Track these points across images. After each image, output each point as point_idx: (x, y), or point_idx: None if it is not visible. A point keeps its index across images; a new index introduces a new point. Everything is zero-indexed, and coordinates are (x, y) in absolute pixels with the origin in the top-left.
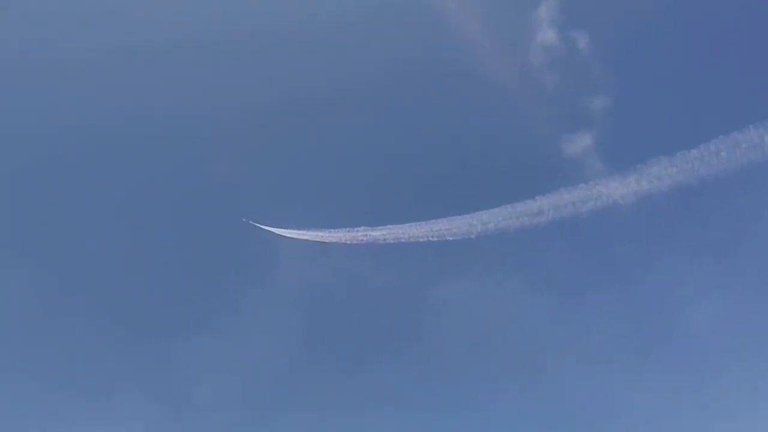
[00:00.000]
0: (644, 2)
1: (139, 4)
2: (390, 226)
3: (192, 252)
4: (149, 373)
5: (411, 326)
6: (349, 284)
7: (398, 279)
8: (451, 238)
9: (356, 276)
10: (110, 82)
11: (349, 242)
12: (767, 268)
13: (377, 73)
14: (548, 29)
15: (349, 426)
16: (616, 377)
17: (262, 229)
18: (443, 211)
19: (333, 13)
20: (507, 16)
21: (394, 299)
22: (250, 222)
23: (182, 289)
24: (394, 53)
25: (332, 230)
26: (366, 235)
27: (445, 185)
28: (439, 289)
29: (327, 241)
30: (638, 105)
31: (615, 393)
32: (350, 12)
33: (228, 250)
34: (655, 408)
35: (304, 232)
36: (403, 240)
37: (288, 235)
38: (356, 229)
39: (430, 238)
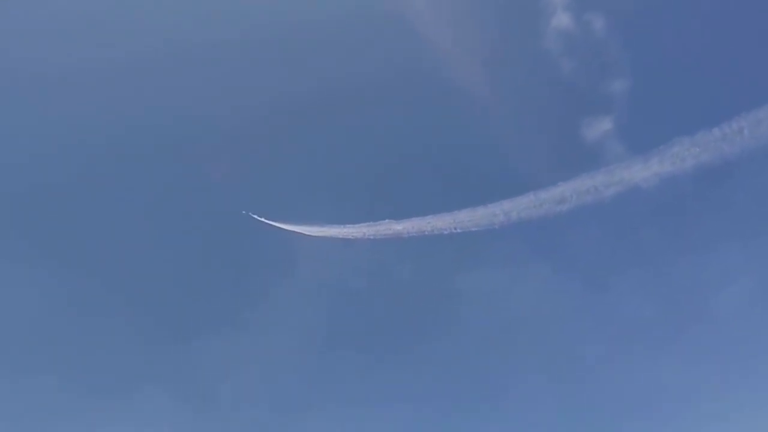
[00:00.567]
0: None
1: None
2: (413, 219)
3: (214, 250)
4: (172, 373)
5: (436, 319)
6: (372, 278)
7: (422, 272)
8: (474, 229)
9: (379, 270)
10: (113, 84)
11: (372, 237)
12: None
13: (393, 63)
14: (562, 14)
15: (374, 421)
16: (646, 362)
17: (285, 229)
18: (465, 203)
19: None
20: (520, 2)
21: (418, 292)
22: (272, 223)
23: (204, 287)
24: (409, 42)
25: (355, 225)
26: (389, 229)
27: (465, 176)
28: (464, 280)
29: (351, 237)
30: (657, 85)
31: (646, 378)
32: None
33: (250, 248)
34: (686, 392)
35: (327, 228)
36: (426, 233)
37: (310, 234)
38: (379, 222)
39: (454, 230)
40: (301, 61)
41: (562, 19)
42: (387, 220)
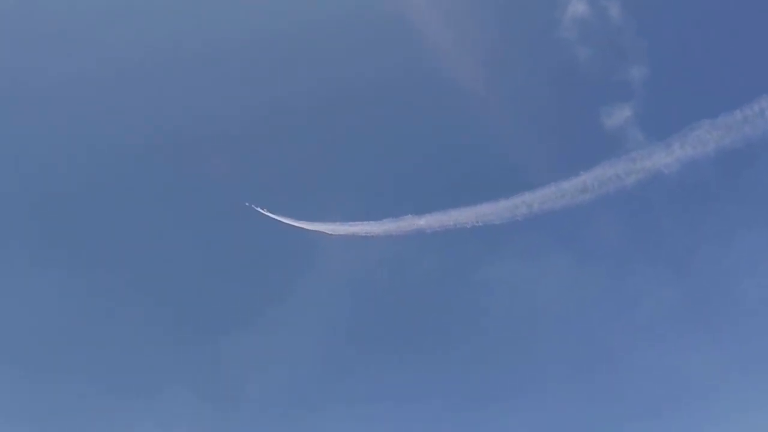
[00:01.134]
0: None
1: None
2: (435, 214)
3: (238, 250)
4: (197, 372)
5: (461, 314)
6: (396, 274)
7: (446, 266)
8: (497, 222)
9: (403, 265)
10: (120, 86)
11: (395, 233)
12: None
13: (412, 54)
14: (578, 2)
15: (401, 417)
16: (671, 351)
17: (308, 229)
18: (486, 196)
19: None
20: None
21: (443, 287)
22: (294, 223)
23: (229, 286)
24: (430, 33)
25: (377, 222)
26: (411, 225)
27: (486, 169)
28: (488, 274)
29: (374, 234)
30: (675, 69)
31: (671, 368)
32: None
33: (274, 248)
34: (712, 381)
35: (350, 226)
36: (448, 227)
37: (333, 233)
38: (401, 218)
39: (476, 224)
40: (320, 57)
41: (578, 7)
42: (409, 216)
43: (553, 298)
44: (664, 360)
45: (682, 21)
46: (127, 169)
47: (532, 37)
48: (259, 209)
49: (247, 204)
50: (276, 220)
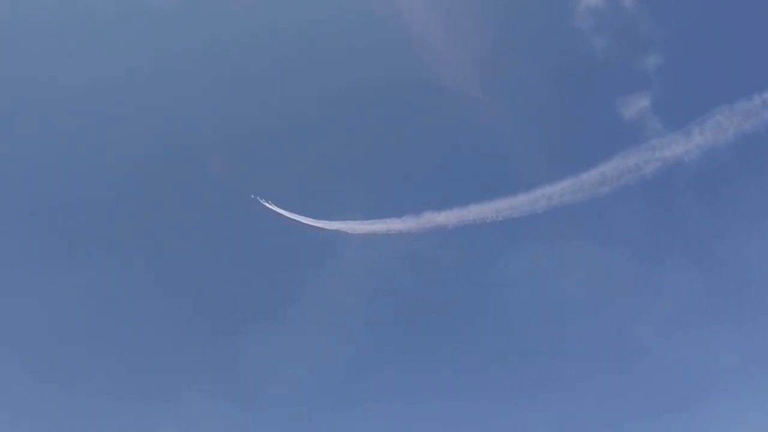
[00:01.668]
0: None
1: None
2: (454, 209)
3: (258, 250)
4: (216, 372)
5: (483, 310)
6: (415, 270)
7: (466, 261)
8: (517, 216)
9: (422, 262)
10: (123, 88)
11: (415, 230)
12: None
13: (426, 45)
14: None
15: (425, 414)
16: (698, 340)
17: (327, 229)
18: (506, 190)
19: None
20: None
21: (463, 283)
22: (313, 223)
23: (249, 285)
24: (442, 23)
25: (397, 219)
26: (431, 221)
27: (505, 162)
28: (510, 268)
29: (394, 231)
30: (691, 57)
31: (699, 356)
32: None
33: (294, 247)
34: (740, 368)
35: (370, 224)
36: (468, 222)
37: (354, 231)
38: (421, 214)
39: (496, 218)
40: (328, 57)
41: None
42: (429, 212)
43: (576, 292)
44: (689, 352)
45: (697, 7)
46: (149, 170)
47: (547, 28)
48: (277, 209)
49: (266, 204)
50: (293, 219)
